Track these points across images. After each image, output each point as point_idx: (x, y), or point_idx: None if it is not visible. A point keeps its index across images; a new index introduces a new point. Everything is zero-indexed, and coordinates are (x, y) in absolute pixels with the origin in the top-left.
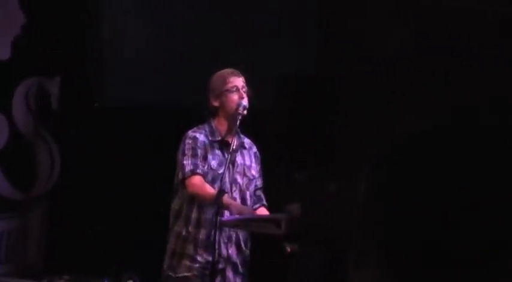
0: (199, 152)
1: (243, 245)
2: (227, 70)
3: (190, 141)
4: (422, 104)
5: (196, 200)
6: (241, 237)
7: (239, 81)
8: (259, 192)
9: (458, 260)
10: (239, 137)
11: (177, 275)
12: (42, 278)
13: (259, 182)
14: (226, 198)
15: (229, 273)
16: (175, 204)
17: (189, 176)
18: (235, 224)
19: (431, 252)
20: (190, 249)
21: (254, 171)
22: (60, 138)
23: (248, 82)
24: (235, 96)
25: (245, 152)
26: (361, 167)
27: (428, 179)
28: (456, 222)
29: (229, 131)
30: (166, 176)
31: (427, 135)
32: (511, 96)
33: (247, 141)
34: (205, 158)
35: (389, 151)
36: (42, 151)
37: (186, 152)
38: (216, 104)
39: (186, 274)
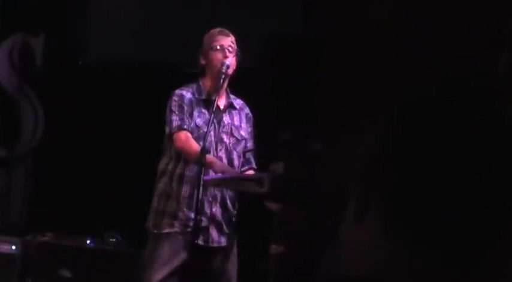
0: (185, 108)
1: (229, 205)
2: (216, 29)
3: (176, 99)
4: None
5: (182, 156)
6: (227, 197)
7: (226, 40)
8: (248, 155)
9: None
10: (228, 97)
11: (160, 231)
12: (26, 235)
13: (249, 144)
14: (209, 156)
15: (213, 232)
16: (162, 163)
17: (176, 132)
18: (217, 183)
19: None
20: (172, 205)
21: (244, 132)
22: (44, 95)
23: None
24: (219, 55)
25: (234, 112)
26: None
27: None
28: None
29: (215, 89)
30: (151, 135)
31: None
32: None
33: (238, 102)
34: (191, 115)
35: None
36: (26, 108)
37: (173, 108)
38: (203, 62)
39: (168, 230)
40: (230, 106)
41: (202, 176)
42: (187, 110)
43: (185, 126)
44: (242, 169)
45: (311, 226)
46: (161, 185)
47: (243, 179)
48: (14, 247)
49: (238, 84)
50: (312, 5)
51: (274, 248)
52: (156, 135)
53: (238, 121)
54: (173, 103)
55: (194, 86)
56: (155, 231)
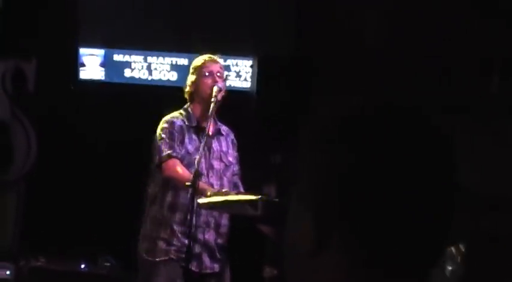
0: (176, 136)
1: (222, 230)
2: (204, 55)
3: (167, 125)
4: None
5: (171, 183)
6: (222, 223)
7: (215, 66)
8: (236, 179)
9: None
10: (216, 124)
11: (154, 259)
12: (19, 260)
13: (236, 168)
14: (202, 183)
15: (206, 258)
16: (150, 189)
17: (166, 160)
18: (211, 206)
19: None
20: (165, 233)
21: (231, 157)
22: (37, 121)
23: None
24: (208, 81)
25: (222, 138)
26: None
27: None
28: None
29: (204, 116)
30: (142, 158)
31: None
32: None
33: (224, 129)
34: (182, 142)
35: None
36: (18, 135)
37: (163, 135)
38: (191, 88)
39: (163, 258)
40: (218, 132)
41: (195, 200)
42: (177, 137)
43: (174, 154)
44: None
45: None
46: (152, 212)
47: (236, 202)
48: (8, 272)
49: (232, 107)
50: (305, 27)
51: (268, 271)
52: (147, 157)
53: (226, 147)
54: (163, 130)
55: (183, 113)
56: (149, 258)
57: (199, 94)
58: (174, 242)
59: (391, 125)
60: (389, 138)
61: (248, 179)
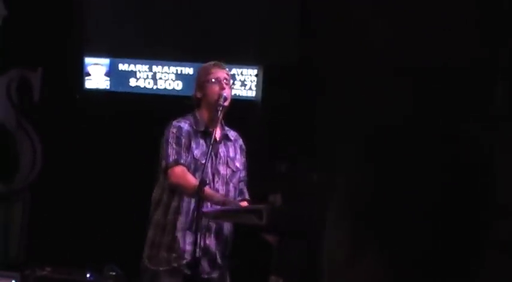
0: (183, 141)
1: (224, 237)
2: (211, 62)
3: (174, 130)
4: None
5: (177, 190)
6: (224, 228)
7: (222, 73)
8: (241, 185)
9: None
10: (223, 129)
11: (158, 268)
12: (25, 269)
13: (242, 174)
14: (208, 189)
15: (205, 263)
16: (155, 193)
17: (172, 166)
18: (216, 215)
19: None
20: (168, 238)
21: (238, 163)
22: (42, 130)
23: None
24: (216, 88)
25: (229, 144)
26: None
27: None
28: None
29: (212, 121)
30: (147, 167)
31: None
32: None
33: (232, 134)
34: (188, 148)
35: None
36: (24, 144)
37: (170, 140)
38: (199, 95)
39: (165, 268)
40: (225, 138)
41: (200, 208)
42: (184, 143)
43: (182, 161)
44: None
45: (310, 258)
46: (156, 216)
47: (241, 211)
48: (13, 281)
49: (238, 115)
50: (309, 35)
51: (274, 280)
52: (153, 167)
53: (234, 153)
54: (171, 135)
55: (191, 118)
56: (152, 267)
57: (206, 100)
58: (176, 248)
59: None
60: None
61: (253, 187)
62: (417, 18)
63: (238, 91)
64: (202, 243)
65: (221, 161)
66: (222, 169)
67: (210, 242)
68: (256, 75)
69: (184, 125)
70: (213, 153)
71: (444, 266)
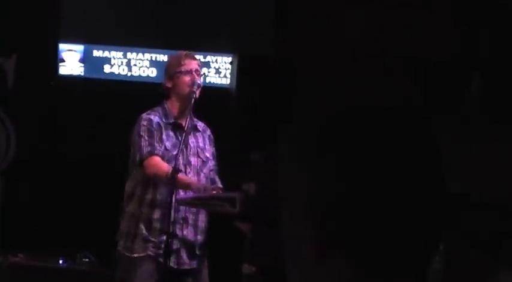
0: (155, 133)
1: (201, 227)
2: (182, 52)
3: (145, 123)
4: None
5: (152, 180)
6: (200, 219)
7: (193, 64)
8: (213, 174)
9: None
10: (192, 120)
11: (132, 255)
12: None
13: (212, 164)
14: (185, 176)
15: (184, 254)
16: (127, 186)
17: (147, 157)
18: (190, 203)
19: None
20: (143, 229)
21: (208, 153)
22: (16, 117)
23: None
24: (187, 78)
25: (198, 134)
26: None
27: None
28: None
29: (182, 113)
30: (122, 154)
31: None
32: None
33: (200, 124)
34: (161, 139)
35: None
36: None
37: (142, 133)
38: (169, 85)
39: (141, 254)
40: (194, 128)
41: (174, 197)
42: (156, 135)
43: (156, 151)
44: None
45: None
46: (130, 209)
47: (215, 198)
48: None
49: (211, 105)
50: (285, 24)
51: (247, 268)
52: (127, 152)
53: (203, 143)
54: (142, 128)
55: (160, 110)
56: (127, 254)
57: (176, 91)
58: (152, 238)
59: (381, 129)
60: (381, 144)
61: (227, 176)
62: (395, 10)
63: (213, 78)
64: (180, 234)
65: (192, 152)
66: (193, 160)
67: (187, 232)
68: (231, 63)
69: (154, 117)
70: (183, 144)
71: (413, 263)
